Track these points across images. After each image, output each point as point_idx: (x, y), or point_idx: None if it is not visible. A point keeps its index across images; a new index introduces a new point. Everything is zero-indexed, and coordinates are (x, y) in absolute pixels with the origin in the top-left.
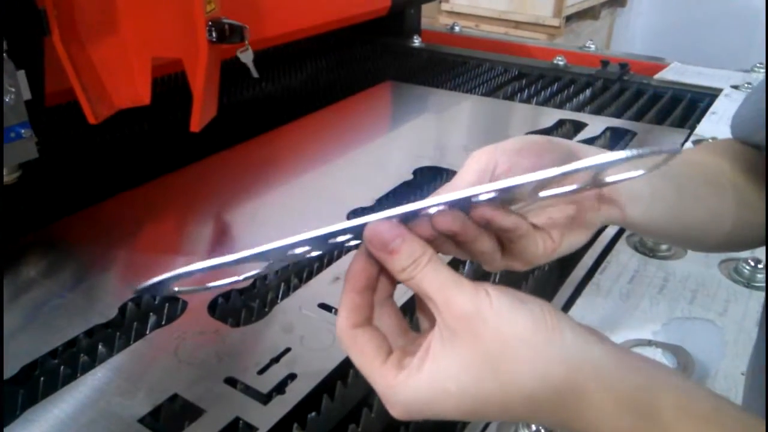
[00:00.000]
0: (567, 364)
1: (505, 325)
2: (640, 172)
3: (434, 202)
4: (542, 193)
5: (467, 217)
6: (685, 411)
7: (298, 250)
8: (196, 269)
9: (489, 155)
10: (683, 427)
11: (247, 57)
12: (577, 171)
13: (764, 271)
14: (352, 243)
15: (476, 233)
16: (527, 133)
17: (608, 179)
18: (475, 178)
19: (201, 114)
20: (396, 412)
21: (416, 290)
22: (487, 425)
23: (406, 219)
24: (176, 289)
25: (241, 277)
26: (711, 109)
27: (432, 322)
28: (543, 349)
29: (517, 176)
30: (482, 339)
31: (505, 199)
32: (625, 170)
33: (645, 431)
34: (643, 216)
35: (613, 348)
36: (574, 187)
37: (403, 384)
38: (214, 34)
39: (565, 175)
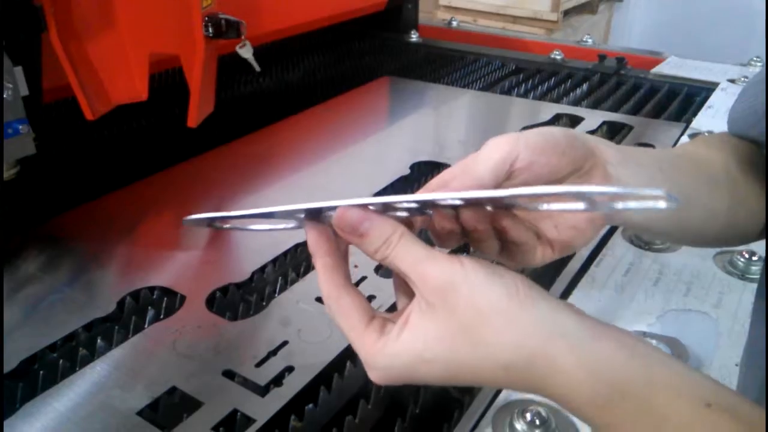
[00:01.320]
0: (540, 334)
1: (479, 295)
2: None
3: (417, 198)
4: (545, 206)
5: (487, 217)
6: (662, 379)
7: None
8: (237, 215)
9: (511, 147)
10: (661, 398)
11: (246, 52)
12: (564, 193)
13: (759, 264)
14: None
15: (490, 234)
16: (524, 128)
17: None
18: (492, 168)
19: (198, 110)
20: (374, 376)
21: (393, 268)
22: (484, 413)
23: (385, 209)
24: (221, 225)
25: (279, 227)
26: (707, 103)
27: (410, 298)
28: (516, 319)
29: (508, 189)
30: (457, 310)
31: (509, 203)
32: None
33: (620, 402)
34: (643, 218)
35: (589, 320)
36: (581, 206)
37: (382, 351)
38: (210, 30)
39: (555, 195)
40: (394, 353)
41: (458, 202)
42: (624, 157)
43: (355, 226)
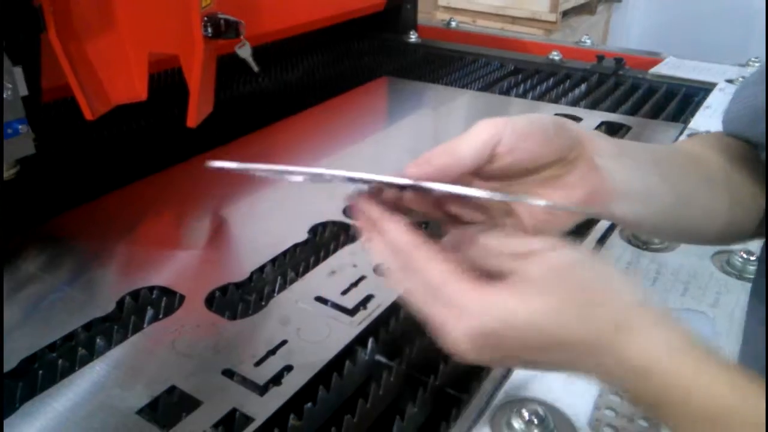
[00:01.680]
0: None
1: (580, 264)
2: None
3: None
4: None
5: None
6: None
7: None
8: (261, 168)
9: (496, 130)
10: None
11: (245, 52)
12: (497, 199)
13: (756, 263)
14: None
15: (440, 217)
16: None
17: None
18: (473, 150)
19: (198, 110)
20: (465, 326)
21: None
22: (482, 412)
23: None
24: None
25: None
26: (705, 103)
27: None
28: (614, 281)
29: (441, 184)
30: (571, 279)
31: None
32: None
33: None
34: (635, 215)
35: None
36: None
37: (488, 293)
38: (209, 30)
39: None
40: (503, 298)
41: (403, 183)
42: (620, 151)
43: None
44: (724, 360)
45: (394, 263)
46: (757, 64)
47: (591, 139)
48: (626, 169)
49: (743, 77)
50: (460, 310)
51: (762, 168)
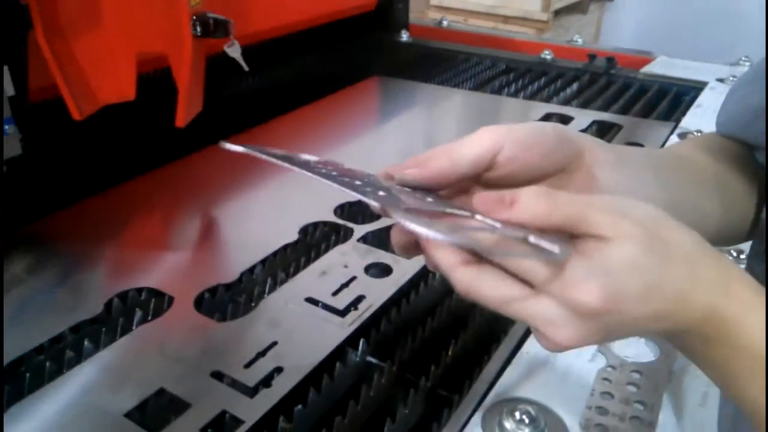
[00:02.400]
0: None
1: (644, 207)
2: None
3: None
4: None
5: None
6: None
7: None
8: (272, 153)
9: (497, 138)
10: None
11: (234, 51)
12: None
13: (746, 260)
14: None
15: None
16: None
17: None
18: (473, 156)
19: (186, 109)
20: (592, 288)
21: (553, 223)
22: (473, 412)
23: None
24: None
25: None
26: (696, 103)
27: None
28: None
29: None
30: (641, 221)
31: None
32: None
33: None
34: None
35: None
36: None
37: (592, 260)
38: (198, 29)
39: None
40: (609, 259)
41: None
42: (617, 159)
43: (500, 198)
44: None
45: (471, 262)
46: (747, 63)
47: (590, 149)
48: (624, 179)
49: (734, 76)
50: (588, 275)
51: (757, 169)
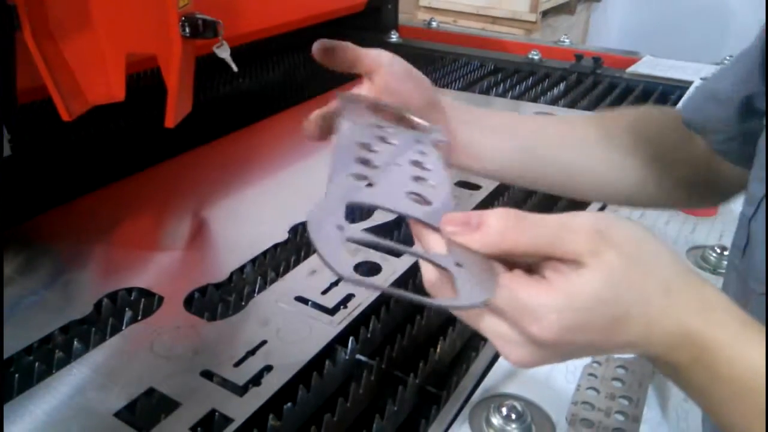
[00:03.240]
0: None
1: (626, 229)
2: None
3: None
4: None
5: None
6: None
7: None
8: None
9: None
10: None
11: (223, 52)
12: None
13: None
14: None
15: None
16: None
17: None
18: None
19: (176, 110)
20: (546, 325)
21: (520, 250)
22: (461, 409)
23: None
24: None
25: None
26: (681, 102)
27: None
28: (661, 245)
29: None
30: (620, 245)
31: None
32: None
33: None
34: (480, 167)
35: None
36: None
37: (560, 289)
38: (187, 30)
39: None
40: (573, 291)
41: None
42: (473, 118)
43: (467, 220)
44: (761, 328)
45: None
46: None
47: (446, 101)
48: (483, 136)
49: None
50: (536, 311)
51: (682, 143)
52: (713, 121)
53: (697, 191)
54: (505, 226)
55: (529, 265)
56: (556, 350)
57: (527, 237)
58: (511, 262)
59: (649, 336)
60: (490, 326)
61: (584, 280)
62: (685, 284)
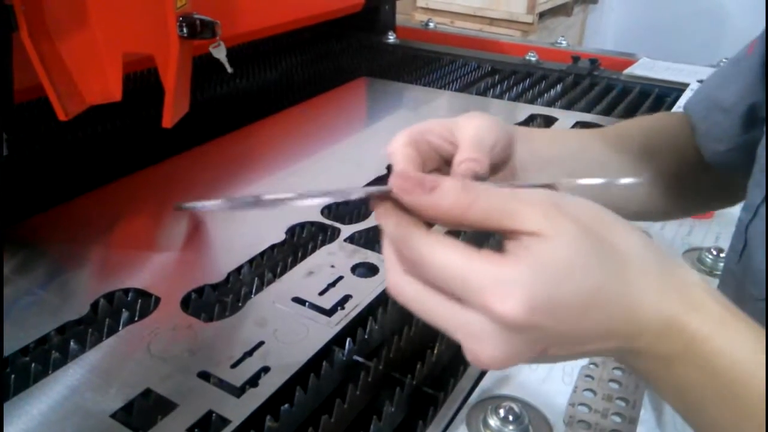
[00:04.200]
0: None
1: (582, 203)
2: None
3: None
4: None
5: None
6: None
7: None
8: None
9: (496, 136)
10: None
11: (219, 52)
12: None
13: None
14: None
15: None
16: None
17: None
18: (491, 145)
19: (173, 110)
20: (513, 304)
21: (474, 220)
22: (458, 410)
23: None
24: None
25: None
26: (678, 104)
27: None
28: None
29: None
30: (579, 217)
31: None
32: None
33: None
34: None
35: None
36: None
37: (525, 262)
38: (185, 30)
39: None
40: (539, 262)
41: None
42: (525, 151)
43: (421, 180)
44: (742, 314)
45: (398, 266)
46: None
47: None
48: (533, 159)
49: None
50: (499, 288)
51: (693, 150)
52: (717, 131)
53: (711, 197)
54: (458, 193)
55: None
56: (529, 337)
57: (480, 205)
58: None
59: (631, 323)
60: (451, 316)
61: (550, 251)
62: (660, 265)
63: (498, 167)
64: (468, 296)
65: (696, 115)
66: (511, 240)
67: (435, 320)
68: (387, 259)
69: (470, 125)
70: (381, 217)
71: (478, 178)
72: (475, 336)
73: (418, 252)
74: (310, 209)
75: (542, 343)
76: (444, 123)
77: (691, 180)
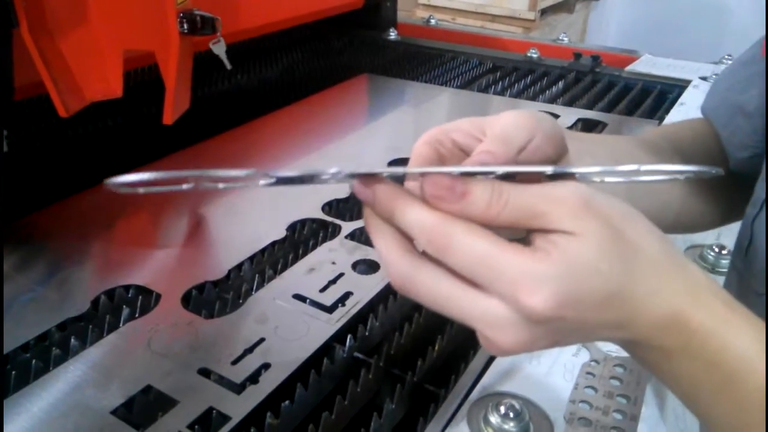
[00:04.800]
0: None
1: (610, 200)
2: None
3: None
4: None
5: None
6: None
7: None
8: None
9: (531, 128)
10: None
11: (219, 48)
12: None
13: (728, 257)
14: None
15: None
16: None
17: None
18: (522, 141)
19: (174, 106)
20: (542, 297)
21: (506, 221)
22: (459, 407)
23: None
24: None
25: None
26: (680, 100)
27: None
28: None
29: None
30: (607, 215)
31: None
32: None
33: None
34: None
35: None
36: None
37: (551, 258)
38: (185, 26)
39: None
40: (570, 260)
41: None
42: (578, 149)
43: (452, 185)
44: (747, 312)
45: (409, 256)
46: (730, 62)
47: (568, 143)
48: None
49: (717, 75)
50: (525, 282)
51: (723, 161)
52: (740, 136)
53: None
54: (490, 198)
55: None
56: (549, 329)
57: (511, 208)
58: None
59: (636, 316)
60: (475, 307)
61: (579, 249)
62: (672, 263)
63: (545, 163)
64: (495, 285)
65: (718, 120)
66: (539, 236)
67: (451, 308)
68: (389, 251)
69: (499, 121)
70: (402, 204)
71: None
72: (495, 324)
73: (449, 237)
74: (311, 207)
75: (560, 333)
76: (475, 120)
77: (723, 188)
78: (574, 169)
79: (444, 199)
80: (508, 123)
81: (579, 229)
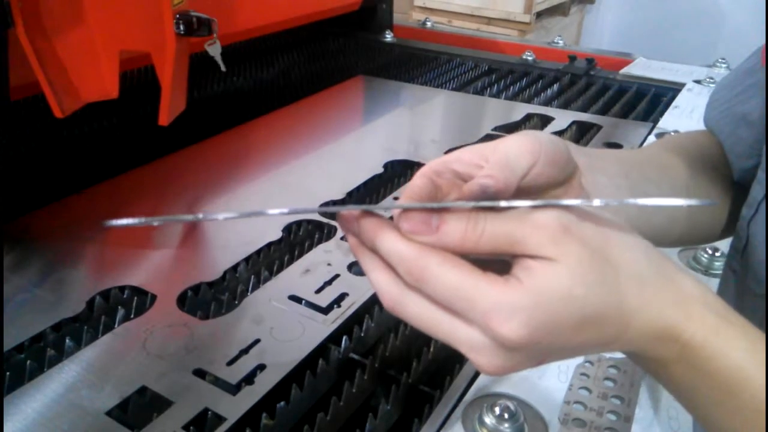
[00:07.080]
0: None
1: (591, 222)
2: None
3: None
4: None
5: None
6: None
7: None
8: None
9: (535, 152)
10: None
11: (214, 50)
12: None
13: (722, 259)
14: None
15: None
16: (496, 128)
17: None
18: (526, 168)
19: (170, 107)
20: (512, 327)
21: (484, 249)
22: (453, 408)
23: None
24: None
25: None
26: (674, 103)
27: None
28: (636, 238)
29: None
30: (587, 239)
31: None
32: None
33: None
34: None
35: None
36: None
37: (524, 287)
38: (181, 27)
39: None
40: (541, 288)
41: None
42: (590, 164)
43: (427, 220)
44: (742, 321)
45: (397, 282)
46: (724, 65)
47: (577, 160)
48: (598, 184)
49: (711, 78)
50: (497, 312)
51: (727, 170)
52: (743, 146)
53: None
54: (464, 229)
55: (503, 263)
56: (528, 353)
57: (487, 237)
58: (483, 263)
59: (625, 333)
60: (456, 333)
61: (552, 276)
62: (659, 277)
63: (552, 185)
64: (470, 315)
65: (721, 131)
66: (518, 262)
67: (437, 332)
68: (378, 278)
69: (501, 147)
70: (382, 235)
71: (489, 194)
72: (477, 349)
73: (424, 269)
74: (306, 208)
75: (541, 356)
76: (478, 149)
77: (729, 200)
78: (553, 202)
79: (419, 233)
80: (509, 148)
81: (557, 254)
